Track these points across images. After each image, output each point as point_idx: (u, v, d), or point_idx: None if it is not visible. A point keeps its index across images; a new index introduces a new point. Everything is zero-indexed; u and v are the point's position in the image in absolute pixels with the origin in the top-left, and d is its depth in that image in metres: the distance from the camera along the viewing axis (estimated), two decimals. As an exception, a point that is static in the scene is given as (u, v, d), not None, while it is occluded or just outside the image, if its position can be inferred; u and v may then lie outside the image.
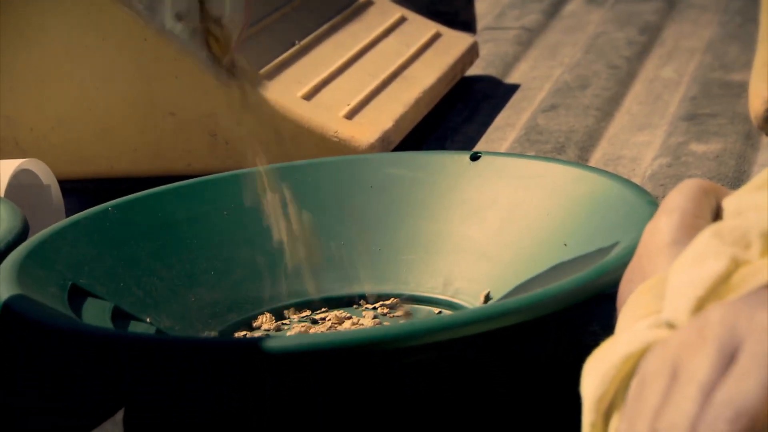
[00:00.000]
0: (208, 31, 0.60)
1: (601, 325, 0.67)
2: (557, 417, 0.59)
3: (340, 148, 0.89)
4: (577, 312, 0.61)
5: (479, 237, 0.72)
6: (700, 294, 0.42)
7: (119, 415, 0.65)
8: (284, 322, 0.71)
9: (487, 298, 0.69)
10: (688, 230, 0.47)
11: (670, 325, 0.43)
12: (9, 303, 0.61)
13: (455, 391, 0.58)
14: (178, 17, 0.57)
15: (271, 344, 0.54)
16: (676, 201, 0.48)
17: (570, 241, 0.67)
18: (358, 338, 0.55)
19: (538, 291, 0.57)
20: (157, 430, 0.63)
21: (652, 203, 0.64)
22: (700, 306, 0.42)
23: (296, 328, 0.69)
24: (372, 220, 0.74)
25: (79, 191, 0.95)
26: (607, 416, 0.44)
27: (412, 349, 0.55)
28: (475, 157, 0.74)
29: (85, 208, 0.74)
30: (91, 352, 0.60)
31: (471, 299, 0.69)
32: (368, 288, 0.72)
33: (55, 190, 0.85)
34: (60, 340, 0.60)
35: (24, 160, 0.83)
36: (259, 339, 0.58)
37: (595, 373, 0.44)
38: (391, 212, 0.74)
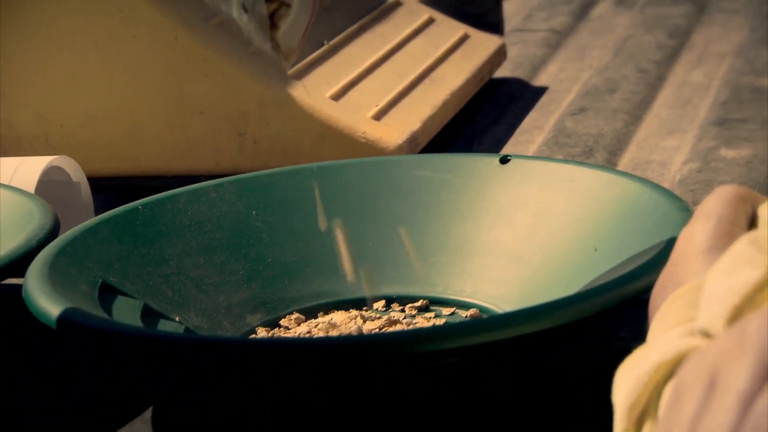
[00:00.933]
0: (272, 23, 0.60)
1: (631, 331, 0.67)
2: (586, 422, 0.59)
3: (368, 149, 0.89)
4: (607, 317, 0.61)
5: (508, 240, 0.71)
6: (737, 302, 0.42)
7: (148, 413, 0.65)
8: (311, 321, 0.71)
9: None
10: (724, 237, 0.47)
11: (705, 334, 0.43)
12: (38, 299, 0.62)
13: (484, 395, 0.58)
14: (245, 8, 0.58)
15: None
16: (713, 207, 0.48)
17: (600, 246, 0.67)
18: (386, 338, 0.55)
19: (568, 296, 0.57)
20: (184, 428, 0.64)
21: (685, 209, 0.64)
22: (736, 315, 0.42)
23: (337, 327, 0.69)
24: (400, 221, 0.74)
25: (108, 189, 0.95)
26: (639, 424, 0.44)
27: (444, 352, 0.55)
28: (504, 160, 0.74)
29: (114, 206, 0.75)
30: (124, 350, 0.60)
31: (501, 303, 0.69)
32: (397, 290, 0.72)
33: (85, 187, 0.86)
34: (89, 337, 0.60)
35: (54, 157, 0.84)
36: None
37: (628, 381, 0.44)
38: (419, 214, 0.74)
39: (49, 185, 0.83)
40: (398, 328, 0.68)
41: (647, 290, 0.56)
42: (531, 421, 0.60)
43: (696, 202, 0.83)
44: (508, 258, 0.71)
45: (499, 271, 0.71)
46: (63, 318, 0.60)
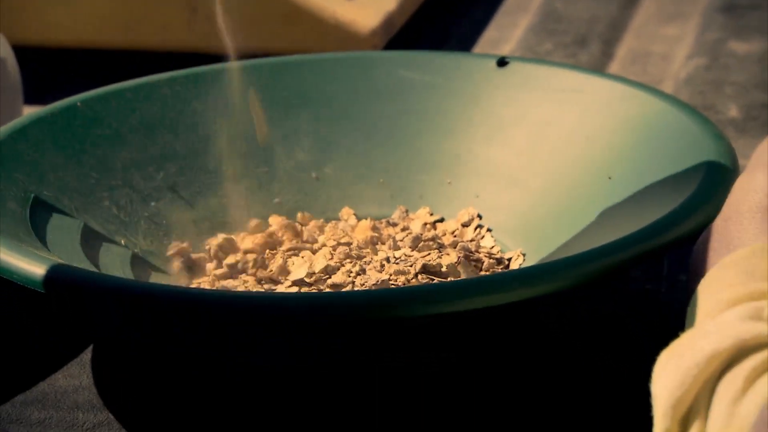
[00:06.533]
0: None
1: (643, 270, 0.59)
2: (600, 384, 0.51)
3: (339, 32, 0.79)
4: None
5: (505, 159, 0.62)
6: None
7: (86, 356, 0.57)
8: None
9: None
10: None
11: None
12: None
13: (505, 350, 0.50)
14: None
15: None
16: None
17: (615, 173, 0.58)
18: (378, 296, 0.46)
19: (583, 253, 0.47)
20: (127, 371, 0.55)
21: (719, 137, 0.55)
22: None
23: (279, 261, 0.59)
24: (381, 131, 0.65)
25: (40, 63, 0.84)
26: (684, 424, 0.37)
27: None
28: (502, 63, 0.65)
29: (48, 85, 0.64)
30: (55, 296, 0.51)
31: (497, 234, 0.61)
32: (374, 210, 0.63)
33: (12, 64, 0.75)
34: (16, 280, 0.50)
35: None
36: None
37: (673, 372, 0.38)
38: (401, 123, 0.65)
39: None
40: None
41: (679, 245, 0.48)
42: (544, 382, 0.52)
43: (706, 107, 0.74)
44: (505, 181, 0.62)
45: (493, 195, 0.62)
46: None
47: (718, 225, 0.44)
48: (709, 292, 0.41)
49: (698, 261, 0.44)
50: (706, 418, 0.37)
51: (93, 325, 0.54)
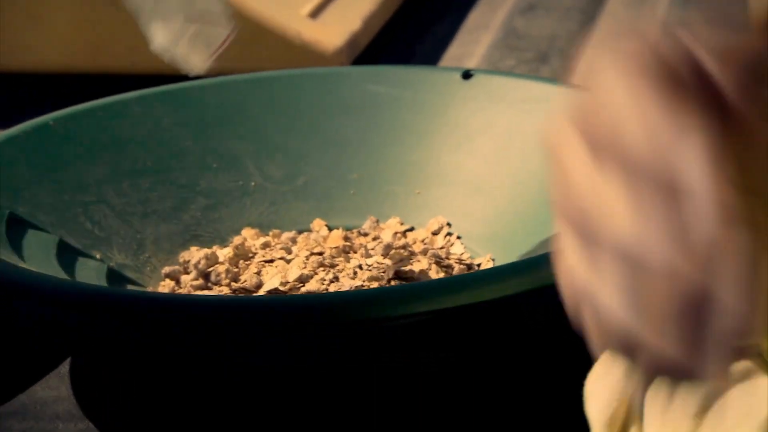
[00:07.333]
0: None
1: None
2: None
3: (304, 51, 0.80)
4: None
5: (472, 168, 0.64)
6: None
7: (64, 368, 0.57)
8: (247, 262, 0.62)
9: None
10: None
11: None
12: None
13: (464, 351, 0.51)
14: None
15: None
16: None
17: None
18: (347, 298, 0.47)
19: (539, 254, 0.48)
20: (103, 382, 0.56)
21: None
22: None
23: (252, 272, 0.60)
24: (351, 144, 0.66)
25: (9, 88, 0.85)
26: None
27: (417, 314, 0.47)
28: (467, 75, 0.66)
29: (16, 110, 0.65)
30: (33, 306, 0.52)
31: (465, 241, 0.62)
32: (346, 221, 0.64)
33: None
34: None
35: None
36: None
37: (601, 392, 0.39)
38: (370, 136, 0.66)
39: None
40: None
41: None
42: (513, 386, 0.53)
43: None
44: (471, 188, 0.63)
45: (462, 204, 0.63)
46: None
47: None
48: None
49: None
50: (641, 422, 0.38)
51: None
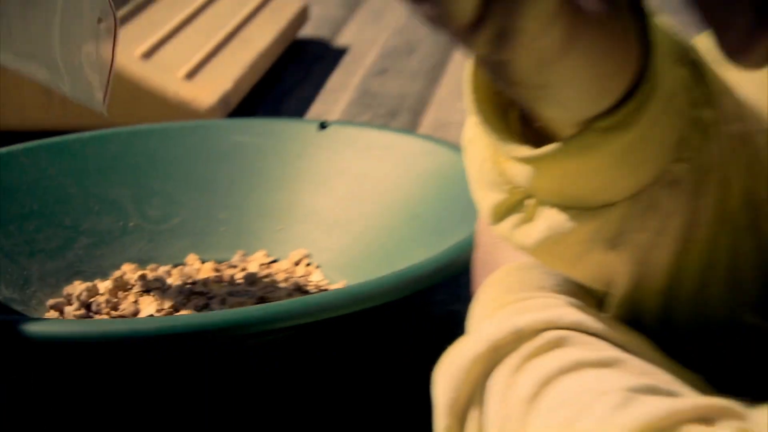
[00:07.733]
0: None
1: (449, 293, 0.69)
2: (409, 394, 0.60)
3: (180, 109, 0.88)
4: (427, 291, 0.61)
5: (329, 207, 0.72)
6: None
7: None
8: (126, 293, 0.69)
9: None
10: None
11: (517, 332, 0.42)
12: None
13: (309, 374, 0.58)
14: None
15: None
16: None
17: (420, 213, 0.68)
18: (206, 323, 0.55)
19: (389, 275, 0.56)
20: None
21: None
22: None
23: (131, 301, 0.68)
24: (220, 188, 0.74)
25: None
26: (462, 418, 0.41)
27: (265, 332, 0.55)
28: (323, 126, 0.75)
29: None
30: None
31: (326, 271, 0.70)
32: (217, 255, 0.72)
33: None
34: None
35: None
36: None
37: (448, 375, 0.41)
38: (237, 181, 0.74)
39: None
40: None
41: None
42: (355, 403, 0.60)
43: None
44: (328, 224, 0.72)
45: (319, 237, 0.71)
46: None
47: (479, 254, 0.51)
48: (478, 308, 0.45)
49: (476, 281, 0.51)
50: (481, 408, 0.40)
51: None
